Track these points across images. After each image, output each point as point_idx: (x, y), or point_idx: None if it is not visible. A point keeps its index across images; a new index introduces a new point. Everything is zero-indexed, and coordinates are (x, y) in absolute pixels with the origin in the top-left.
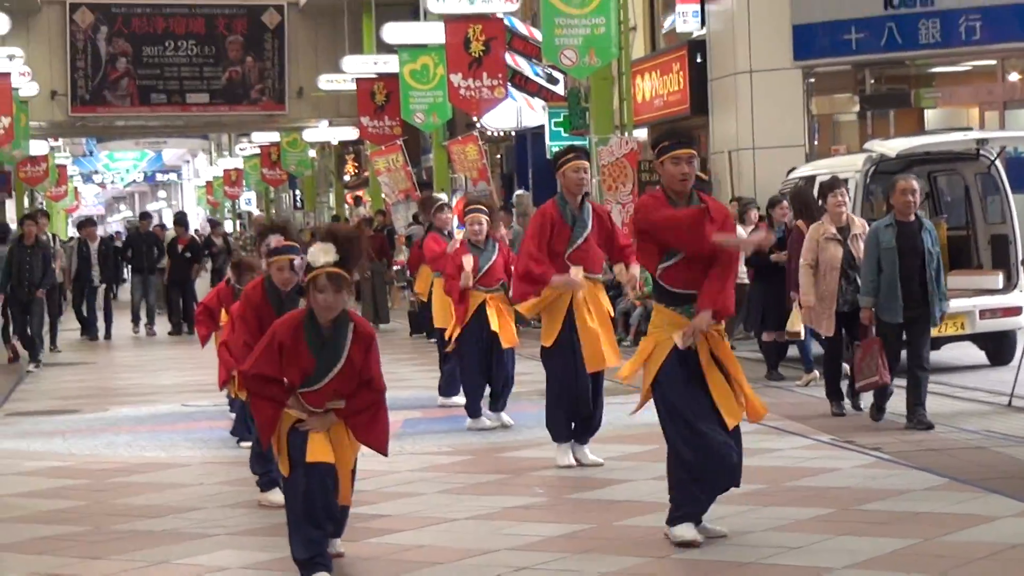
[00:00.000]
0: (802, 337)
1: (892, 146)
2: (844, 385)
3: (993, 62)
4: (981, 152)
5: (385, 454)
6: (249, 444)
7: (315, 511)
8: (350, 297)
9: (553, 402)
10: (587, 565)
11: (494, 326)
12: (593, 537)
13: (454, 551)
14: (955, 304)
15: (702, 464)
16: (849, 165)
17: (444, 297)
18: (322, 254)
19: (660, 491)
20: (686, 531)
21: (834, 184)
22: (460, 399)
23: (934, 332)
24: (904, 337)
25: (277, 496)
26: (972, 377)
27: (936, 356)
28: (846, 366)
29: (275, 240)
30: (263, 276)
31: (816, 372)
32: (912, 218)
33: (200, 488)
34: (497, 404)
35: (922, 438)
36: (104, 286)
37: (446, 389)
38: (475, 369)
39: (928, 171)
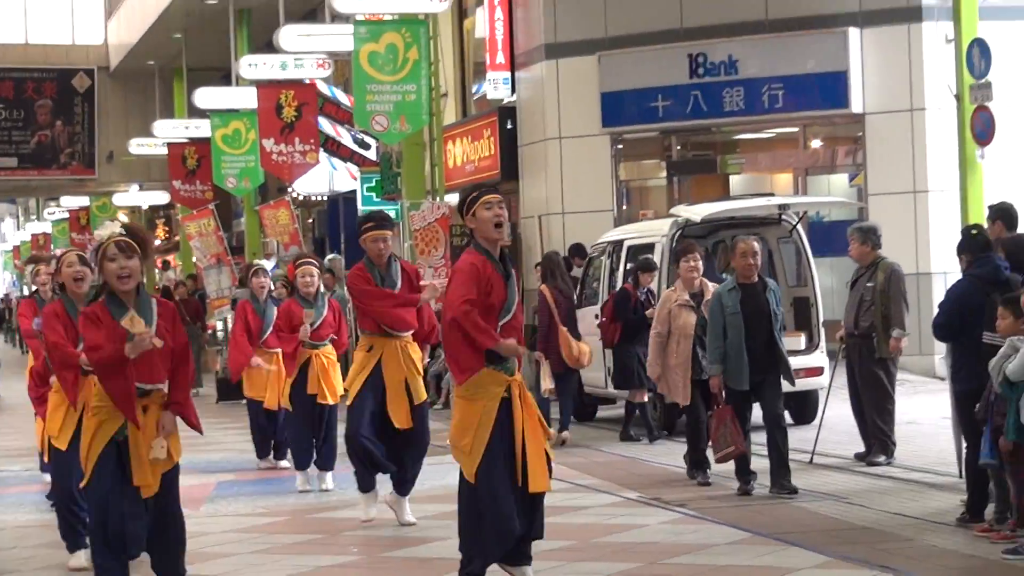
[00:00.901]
0: (552, 394)
1: (697, 211)
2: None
3: (795, 129)
4: (783, 217)
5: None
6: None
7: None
8: (143, 266)
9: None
10: None
11: (314, 387)
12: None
13: None
14: None
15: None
16: (656, 230)
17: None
18: (106, 229)
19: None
20: None
21: (686, 249)
22: (284, 462)
23: None
24: (754, 400)
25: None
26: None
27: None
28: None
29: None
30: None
31: (566, 433)
32: (755, 279)
33: (14, 551)
34: (322, 463)
35: (725, 494)
36: None
37: (260, 452)
38: (302, 423)
39: (732, 235)
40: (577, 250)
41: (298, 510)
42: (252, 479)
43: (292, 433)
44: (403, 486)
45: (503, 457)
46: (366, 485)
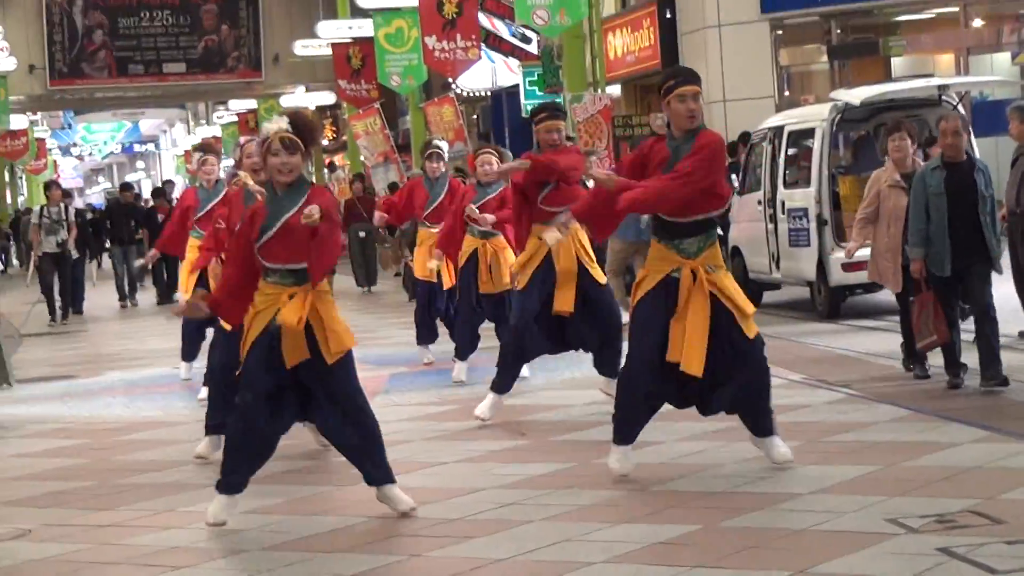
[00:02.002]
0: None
1: (856, 94)
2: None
3: (956, 9)
4: (943, 98)
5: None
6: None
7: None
8: (305, 163)
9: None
10: (568, 499)
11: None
12: (574, 474)
13: (443, 491)
14: None
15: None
16: (816, 115)
17: (424, 247)
18: (274, 123)
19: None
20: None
21: (894, 127)
22: (427, 355)
23: None
24: (962, 288)
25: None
26: None
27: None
28: None
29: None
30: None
31: None
32: (963, 158)
33: (198, 443)
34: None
35: (882, 375)
36: (77, 258)
37: (423, 336)
38: (469, 314)
39: (894, 118)
40: (743, 138)
41: (469, 399)
42: (423, 371)
43: (459, 322)
44: (606, 366)
45: (654, 332)
46: (504, 386)
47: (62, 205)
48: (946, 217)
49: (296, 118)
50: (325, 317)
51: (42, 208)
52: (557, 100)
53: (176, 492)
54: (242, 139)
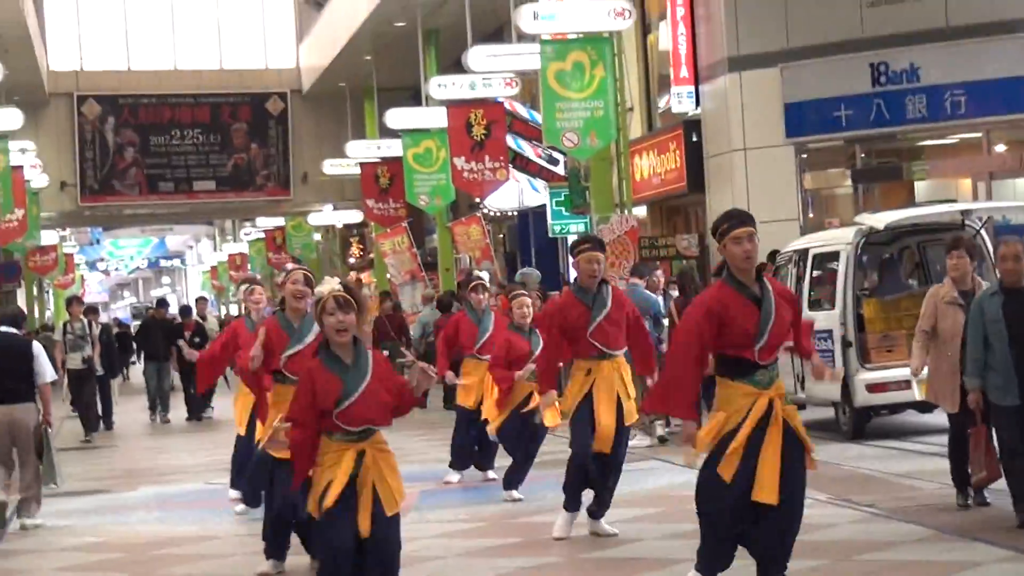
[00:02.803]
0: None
1: (881, 219)
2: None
3: (979, 135)
4: (966, 222)
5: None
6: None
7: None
8: (360, 323)
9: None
10: None
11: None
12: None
13: None
14: None
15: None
16: (841, 238)
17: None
18: (327, 284)
19: (669, 548)
20: None
21: (956, 243)
22: (455, 476)
23: (919, 395)
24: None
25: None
26: None
27: (926, 418)
28: None
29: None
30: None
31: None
32: (1021, 284)
33: (233, 558)
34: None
35: (912, 496)
36: (102, 374)
37: (457, 463)
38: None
39: (917, 242)
40: (771, 256)
41: (497, 516)
42: (453, 488)
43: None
44: (600, 510)
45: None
46: (574, 505)
47: (85, 321)
48: (1007, 344)
49: (347, 284)
50: (386, 473)
51: (65, 324)
52: (576, 223)
53: None
54: (289, 265)
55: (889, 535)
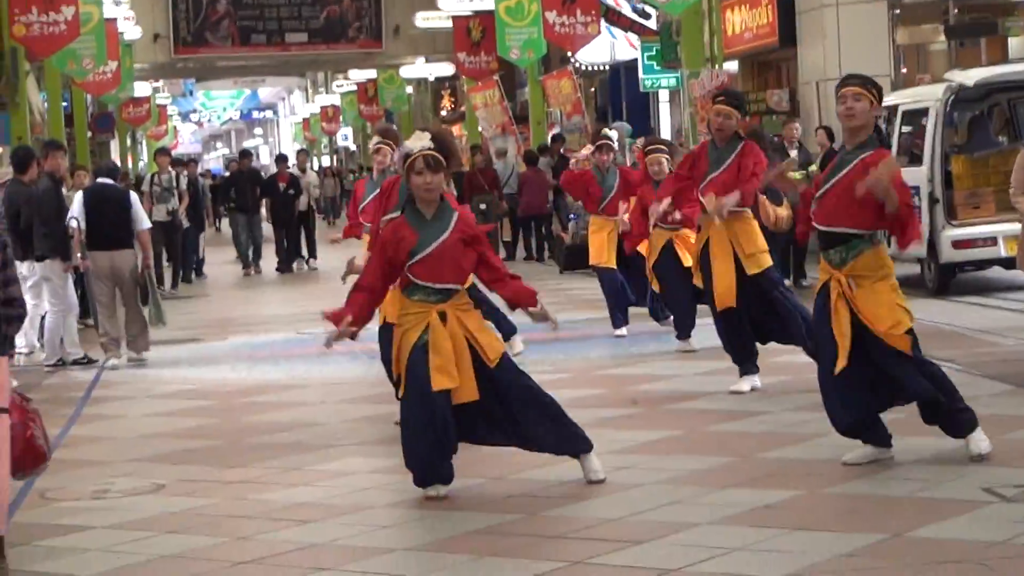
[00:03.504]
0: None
1: (971, 76)
2: None
3: None
4: None
5: (533, 303)
6: None
7: (431, 441)
8: (449, 182)
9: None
10: (677, 464)
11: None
12: (684, 441)
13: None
14: None
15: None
16: (930, 95)
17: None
18: (417, 141)
19: (740, 401)
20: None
21: None
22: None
23: (1012, 251)
24: None
25: None
26: None
27: (1013, 274)
28: None
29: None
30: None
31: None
32: None
33: (322, 405)
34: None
35: (991, 351)
36: (188, 227)
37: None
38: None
39: (1008, 99)
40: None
41: (583, 368)
42: (539, 340)
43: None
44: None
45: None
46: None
47: (172, 172)
48: None
49: (438, 137)
50: (475, 330)
51: (153, 176)
52: (667, 77)
53: (302, 452)
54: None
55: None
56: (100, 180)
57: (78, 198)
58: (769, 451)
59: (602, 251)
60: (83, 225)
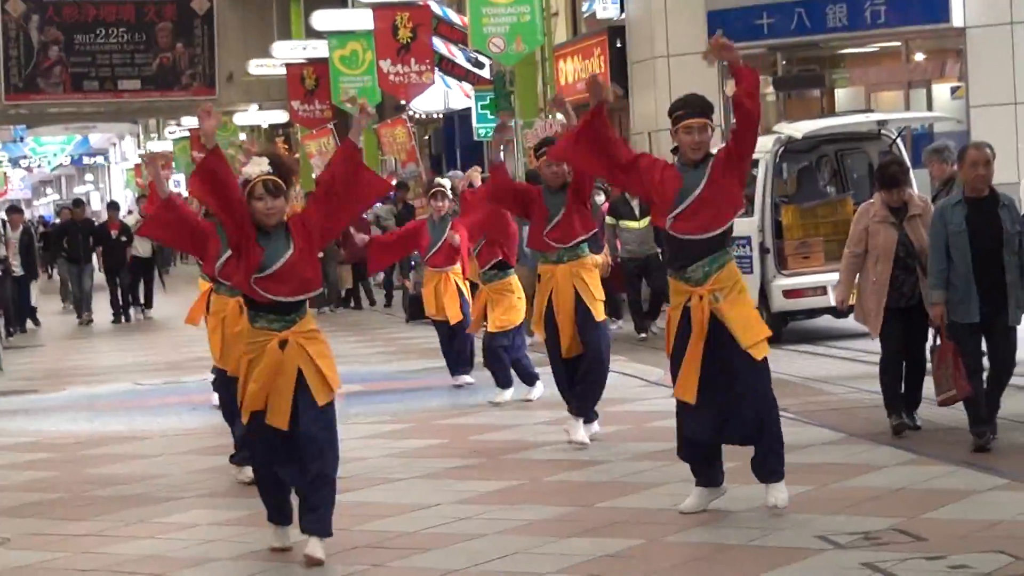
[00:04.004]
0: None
1: (799, 128)
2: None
3: (898, 44)
4: (883, 132)
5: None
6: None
7: (262, 479)
8: (287, 204)
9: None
10: (519, 514)
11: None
12: (524, 491)
13: (400, 506)
14: None
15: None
16: (760, 146)
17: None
18: (255, 166)
19: (580, 451)
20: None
21: (891, 182)
22: (468, 377)
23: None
24: (984, 338)
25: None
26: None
27: (841, 323)
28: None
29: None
30: None
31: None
32: (986, 192)
33: (163, 458)
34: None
35: (822, 400)
36: (23, 275)
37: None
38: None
39: (835, 150)
40: None
41: (425, 418)
42: (379, 390)
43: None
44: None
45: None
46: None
47: (1, 221)
48: (970, 257)
49: (275, 159)
50: (317, 357)
51: None
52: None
53: (146, 504)
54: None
55: (800, 438)
56: None
57: None
58: (608, 500)
59: (430, 303)
60: None
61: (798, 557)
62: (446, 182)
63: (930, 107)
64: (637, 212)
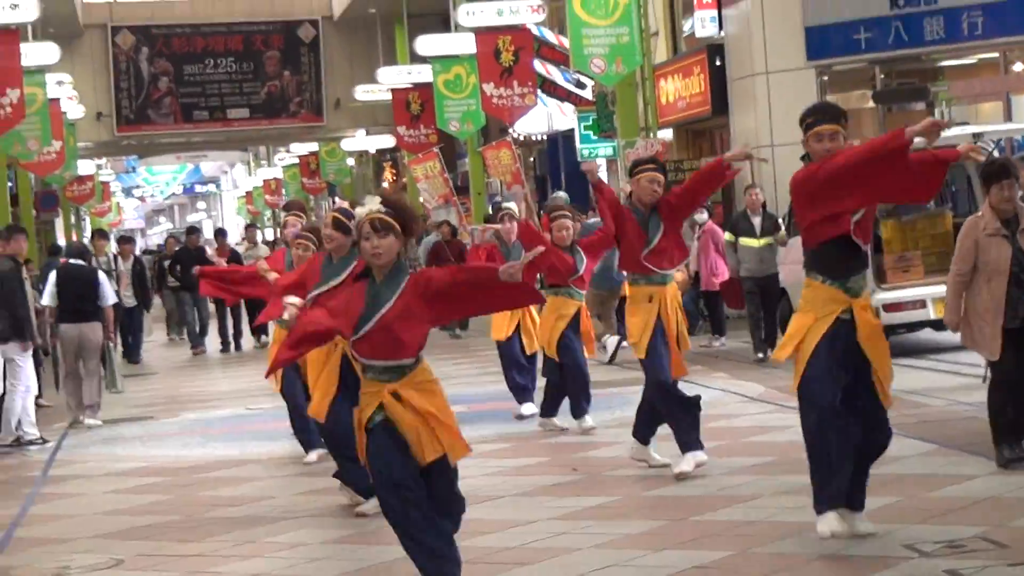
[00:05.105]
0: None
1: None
2: None
3: (996, 55)
4: (979, 145)
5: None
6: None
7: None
8: (403, 246)
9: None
10: (614, 528)
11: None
12: (621, 506)
13: (501, 522)
14: None
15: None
16: None
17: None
18: (367, 205)
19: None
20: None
21: (1002, 173)
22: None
23: (941, 313)
24: None
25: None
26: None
27: (941, 336)
28: None
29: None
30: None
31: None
32: None
33: (273, 480)
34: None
35: (918, 412)
36: (136, 306)
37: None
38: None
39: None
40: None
41: (523, 437)
42: (479, 410)
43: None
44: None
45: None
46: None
47: (111, 254)
48: None
49: (388, 200)
50: (438, 412)
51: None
52: (603, 147)
53: (254, 525)
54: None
55: (895, 450)
56: (72, 261)
57: (52, 277)
58: (702, 513)
59: (502, 326)
60: (54, 303)
61: (884, 566)
62: (511, 205)
63: None
64: (758, 230)
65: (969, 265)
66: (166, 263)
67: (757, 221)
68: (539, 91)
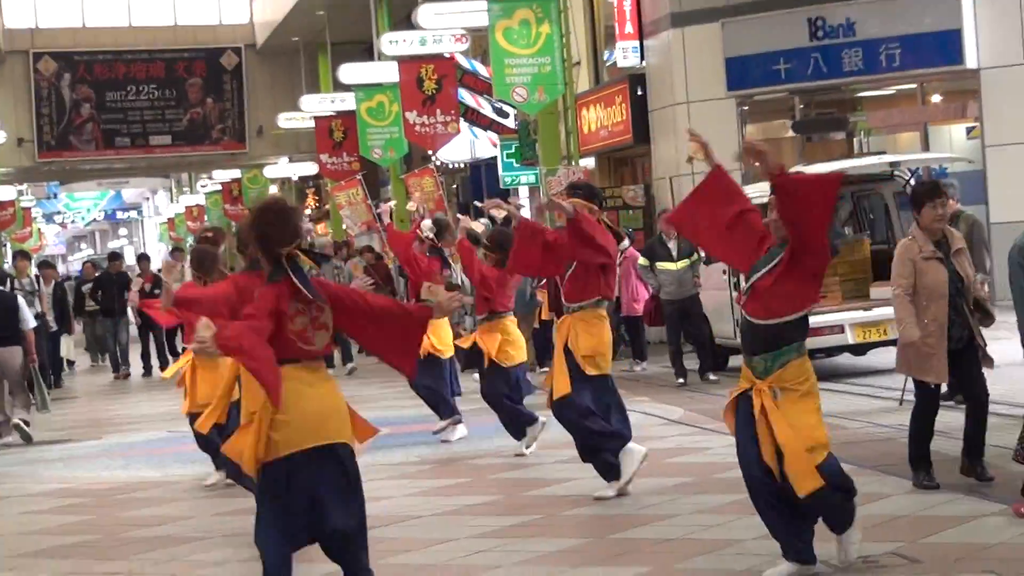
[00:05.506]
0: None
1: (811, 171)
2: None
3: (913, 86)
4: (895, 173)
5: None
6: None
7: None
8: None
9: None
10: (533, 546)
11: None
12: (539, 525)
13: (421, 541)
14: (879, 312)
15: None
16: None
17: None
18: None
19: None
20: None
21: (934, 192)
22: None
23: (860, 337)
24: None
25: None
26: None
27: (859, 360)
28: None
29: None
30: None
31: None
32: None
33: (194, 501)
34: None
35: (837, 434)
36: (56, 329)
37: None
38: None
39: (852, 192)
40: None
41: (443, 459)
42: (404, 432)
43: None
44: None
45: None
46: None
47: (33, 276)
48: None
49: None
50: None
51: (13, 280)
52: (525, 175)
53: (176, 544)
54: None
55: None
56: None
57: None
58: (620, 532)
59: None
60: None
61: None
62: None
63: (947, 148)
64: (675, 254)
65: (911, 281)
66: (85, 288)
67: (673, 245)
68: (462, 119)
